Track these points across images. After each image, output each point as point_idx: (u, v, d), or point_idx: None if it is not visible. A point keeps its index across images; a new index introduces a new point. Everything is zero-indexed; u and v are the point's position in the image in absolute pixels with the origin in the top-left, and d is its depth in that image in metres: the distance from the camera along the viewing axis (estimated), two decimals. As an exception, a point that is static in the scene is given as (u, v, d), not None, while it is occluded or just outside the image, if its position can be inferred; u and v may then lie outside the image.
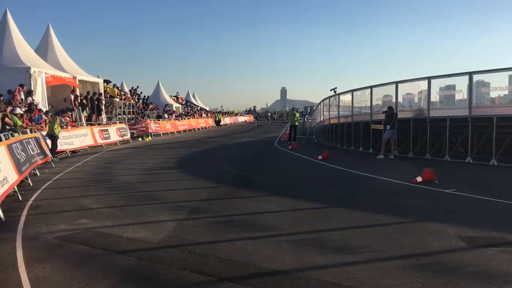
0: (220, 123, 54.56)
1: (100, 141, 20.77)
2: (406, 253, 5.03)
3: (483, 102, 15.66)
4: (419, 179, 9.89)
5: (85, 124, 21.41)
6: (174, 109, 43.99)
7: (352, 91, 20.60)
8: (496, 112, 13.77)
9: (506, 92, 15.29)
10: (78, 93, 22.67)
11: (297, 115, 27.48)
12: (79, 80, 23.72)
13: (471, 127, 14.06)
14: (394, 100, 17.25)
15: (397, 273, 4.36)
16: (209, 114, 56.17)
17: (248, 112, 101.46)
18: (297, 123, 25.95)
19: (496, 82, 14.71)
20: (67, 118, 18.94)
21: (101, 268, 4.62)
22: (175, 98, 50.17)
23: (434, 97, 16.52)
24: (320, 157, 15.14)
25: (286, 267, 4.59)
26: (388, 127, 15.52)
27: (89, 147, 19.39)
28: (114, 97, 28.69)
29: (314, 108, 39.06)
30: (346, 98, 22.08)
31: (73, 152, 17.85)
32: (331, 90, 23.58)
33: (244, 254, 5.01)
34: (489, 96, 15.84)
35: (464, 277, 4.26)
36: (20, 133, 12.18)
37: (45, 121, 16.30)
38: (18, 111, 15.90)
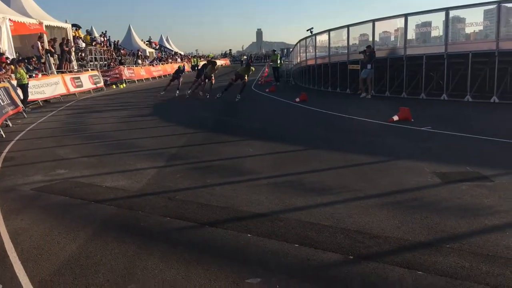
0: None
1: (72, 89, 20.21)
2: (383, 191, 5.14)
3: (459, 38, 15.65)
4: (395, 118, 9.99)
5: (55, 72, 20.69)
6: (148, 54, 42.75)
7: (328, 31, 20.19)
8: (471, 48, 13.80)
9: (481, 27, 15.26)
10: (45, 40, 21.69)
11: (278, 56, 27.41)
12: (46, 26, 22.61)
13: (447, 64, 14.12)
14: (371, 39, 17.05)
15: (375, 211, 4.47)
16: (184, 59, 54.78)
17: (224, 55, 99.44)
18: (279, 64, 26.06)
19: (471, 18, 14.67)
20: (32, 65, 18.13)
21: (81, 218, 4.60)
22: (148, 42, 48.62)
23: (411, 35, 16.41)
24: (297, 100, 15.10)
25: (266, 209, 4.65)
26: (368, 66, 15.44)
27: (61, 96, 18.91)
28: (89, 45, 27.71)
29: (291, 50, 38.45)
30: (322, 38, 21.70)
31: (46, 101, 17.37)
32: (307, 30, 23.21)
33: (224, 198, 5.04)
34: (464, 32, 15.82)
35: (439, 212, 4.40)
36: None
37: (10, 69, 15.60)
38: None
